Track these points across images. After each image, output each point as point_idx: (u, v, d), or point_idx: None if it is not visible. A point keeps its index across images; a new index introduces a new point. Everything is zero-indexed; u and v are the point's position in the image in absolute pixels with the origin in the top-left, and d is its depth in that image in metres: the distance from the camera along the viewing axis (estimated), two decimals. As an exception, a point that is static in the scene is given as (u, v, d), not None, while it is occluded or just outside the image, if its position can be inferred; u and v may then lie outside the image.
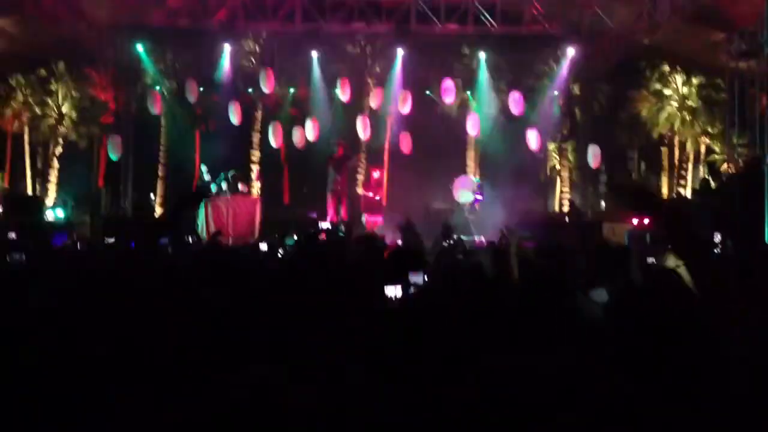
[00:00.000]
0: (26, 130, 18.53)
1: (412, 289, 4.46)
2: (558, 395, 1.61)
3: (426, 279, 4.62)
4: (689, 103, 17.80)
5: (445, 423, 1.70)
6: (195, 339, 2.59)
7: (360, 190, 17.57)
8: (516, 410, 1.61)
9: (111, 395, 2.11)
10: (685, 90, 17.84)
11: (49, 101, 18.40)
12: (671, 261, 4.16)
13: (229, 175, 16.34)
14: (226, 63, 18.33)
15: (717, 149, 17.80)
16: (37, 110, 18.36)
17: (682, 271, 3.91)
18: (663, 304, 2.17)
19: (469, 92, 18.61)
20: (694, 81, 17.78)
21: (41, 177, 18.70)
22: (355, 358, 2.27)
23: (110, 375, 2.18)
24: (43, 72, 18.29)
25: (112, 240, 7.98)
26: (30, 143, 18.69)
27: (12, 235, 10.30)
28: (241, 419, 1.49)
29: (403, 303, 3.83)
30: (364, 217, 16.70)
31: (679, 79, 17.87)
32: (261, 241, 10.07)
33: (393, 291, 4.78)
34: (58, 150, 18.61)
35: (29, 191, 18.39)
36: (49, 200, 17.87)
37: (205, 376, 2.06)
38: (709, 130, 17.84)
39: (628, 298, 2.43)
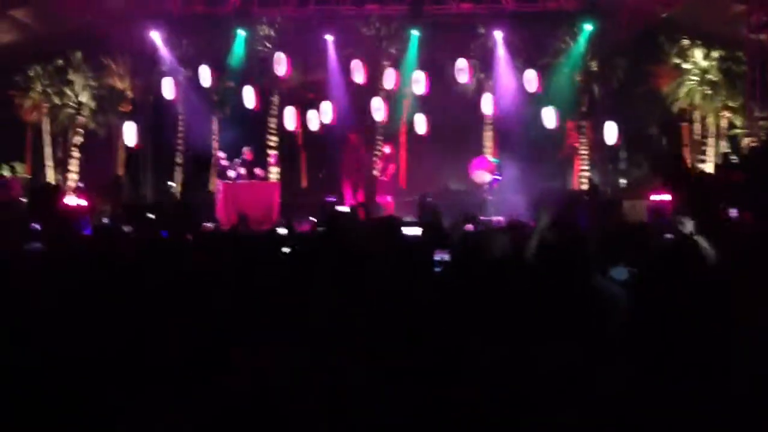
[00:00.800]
0: (45, 120, 18.68)
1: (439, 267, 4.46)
2: (559, 390, 1.62)
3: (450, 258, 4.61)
4: (709, 76, 17.53)
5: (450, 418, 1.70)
6: (203, 336, 2.60)
7: (375, 171, 17.45)
8: (518, 403, 1.62)
9: (119, 393, 2.14)
10: (705, 63, 17.57)
11: (67, 91, 18.52)
12: (689, 227, 4.10)
13: (243, 152, 16.40)
14: (241, 48, 18.32)
15: (738, 123, 17.55)
16: (56, 100, 18.49)
17: (701, 239, 3.86)
18: (679, 285, 2.15)
19: (485, 72, 18.47)
20: (714, 54, 17.50)
21: (62, 167, 18.87)
22: (361, 354, 2.27)
23: (119, 372, 2.20)
24: (60, 62, 18.40)
25: (128, 229, 7.90)
26: (50, 133, 18.85)
27: (36, 226, 10.37)
28: (246, 414, 1.50)
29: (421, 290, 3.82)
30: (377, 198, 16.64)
31: (698, 52, 17.59)
32: (279, 226, 10.10)
33: (411, 231, 4.80)
34: (78, 139, 18.75)
35: (50, 181, 18.55)
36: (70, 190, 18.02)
37: (213, 372, 2.07)
38: (730, 103, 17.57)
39: (647, 278, 2.41)
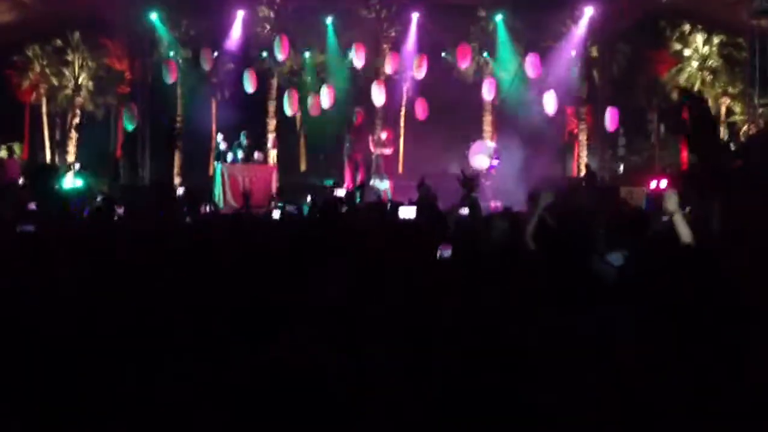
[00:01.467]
0: (44, 101, 18.63)
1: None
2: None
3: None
4: (710, 62, 17.49)
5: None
6: (218, 310, 2.61)
7: (372, 148, 17.29)
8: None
9: (134, 367, 2.15)
10: (705, 49, 17.53)
11: (66, 72, 18.45)
12: (672, 204, 4.04)
13: (242, 137, 16.40)
14: (240, 30, 18.22)
15: (738, 110, 17.53)
16: (54, 81, 18.43)
17: (678, 218, 3.86)
18: (676, 272, 2.15)
19: (485, 55, 18.41)
20: (715, 40, 17.45)
21: (60, 148, 18.84)
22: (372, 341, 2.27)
23: (132, 349, 2.21)
24: (59, 42, 18.31)
25: (121, 210, 7.72)
26: (48, 114, 18.80)
27: (32, 206, 10.34)
28: (273, 387, 1.50)
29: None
30: (377, 182, 16.58)
31: (699, 38, 17.54)
32: (274, 209, 10.10)
33: (407, 212, 4.82)
34: (76, 120, 18.70)
35: (48, 162, 18.51)
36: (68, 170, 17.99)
37: (234, 347, 2.08)
38: (730, 90, 17.55)
39: (643, 263, 2.42)
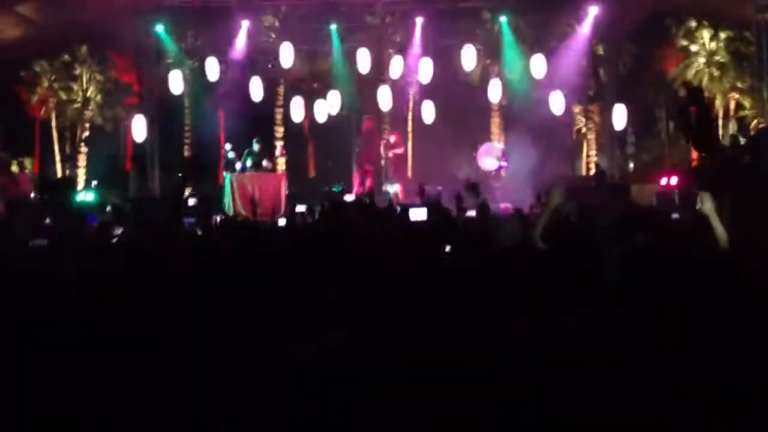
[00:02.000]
0: (53, 115, 18.74)
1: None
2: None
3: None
4: (717, 58, 17.40)
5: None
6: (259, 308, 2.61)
7: (382, 153, 17.32)
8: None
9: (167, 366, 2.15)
10: (712, 45, 17.44)
11: (74, 86, 18.57)
12: (707, 205, 3.96)
13: (254, 143, 16.42)
14: (245, 39, 18.29)
15: (747, 105, 17.42)
16: (63, 95, 18.54)
17: (714, 221, 3.80)
18: (673, 261, 2.14)
19: (491, 57, 18.39)
20: (722, 35, 17.36)
21: (70, 161, 18.94)
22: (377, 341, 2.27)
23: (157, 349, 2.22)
24: (66, 57, 18.44)
25: (119, 231, 7.29)
26: (57, 128, 18.92)
27: (48, 220, 10.39)
28: (309, 384, 1.50)
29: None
30: (388, 186, 16.60)
31: (706, 34, 17.46)
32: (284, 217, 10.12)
33: (417, 214, 4.83)
34: (86, 134, 18.81)
35: (59, 176, 18.61)
36: (79, 184, 18.09)
37: (274, 344, 2.08)
38: (739, 85, 17.44)
39: (638, 254, 2.42)
